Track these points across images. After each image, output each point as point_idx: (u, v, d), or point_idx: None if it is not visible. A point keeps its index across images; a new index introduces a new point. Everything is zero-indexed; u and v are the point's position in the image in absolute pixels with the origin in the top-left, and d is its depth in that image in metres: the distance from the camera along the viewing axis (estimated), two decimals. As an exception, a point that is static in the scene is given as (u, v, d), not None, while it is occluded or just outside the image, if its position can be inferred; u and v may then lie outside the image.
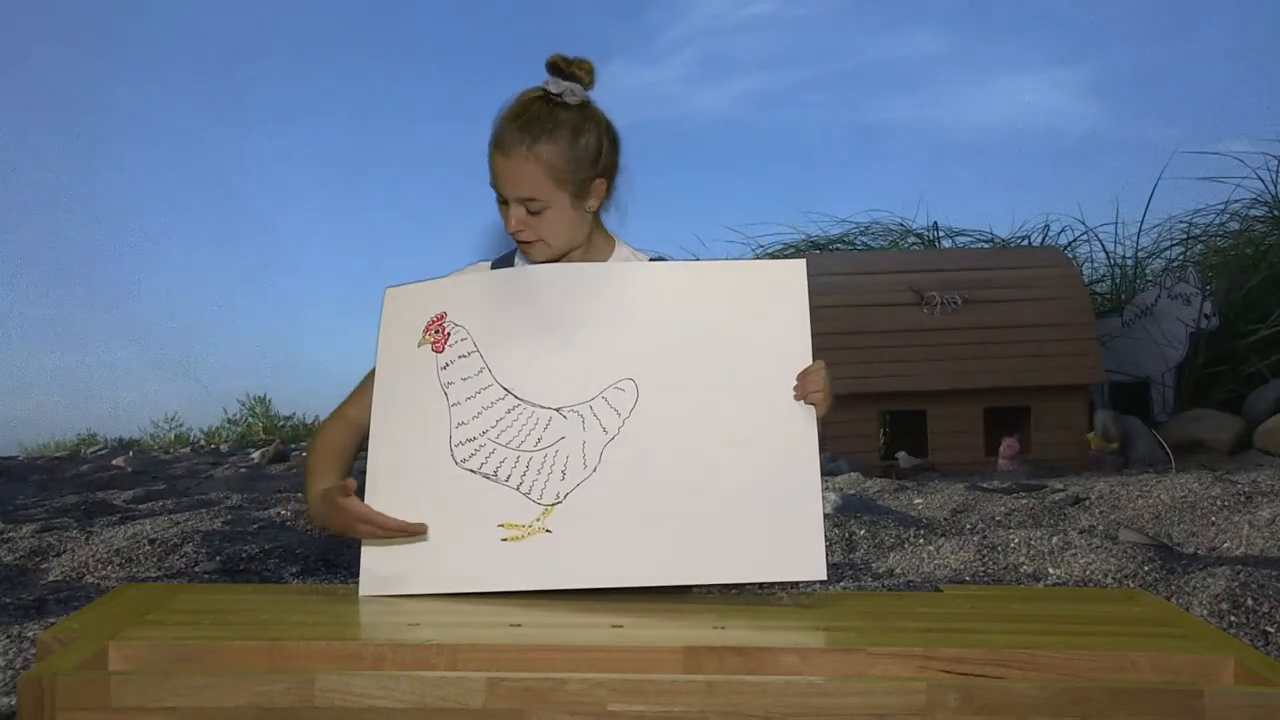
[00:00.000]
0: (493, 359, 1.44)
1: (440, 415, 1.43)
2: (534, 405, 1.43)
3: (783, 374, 1.43)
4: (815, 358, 1.44)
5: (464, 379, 1.44)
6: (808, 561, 1.39)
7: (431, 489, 1.41)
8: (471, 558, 1.39)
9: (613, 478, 1.40)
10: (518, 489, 1.41)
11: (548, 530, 1.39)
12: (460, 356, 1.45)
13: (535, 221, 1.47)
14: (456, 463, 1.42)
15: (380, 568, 1.42)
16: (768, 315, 1.45)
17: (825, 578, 1.40)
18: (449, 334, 1.46)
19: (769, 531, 1.39)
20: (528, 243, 1.49)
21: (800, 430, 1.43)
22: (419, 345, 1.46)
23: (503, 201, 1.48)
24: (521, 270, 1.52)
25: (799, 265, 1.48)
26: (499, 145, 1.45)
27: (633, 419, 1.42)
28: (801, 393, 1.42)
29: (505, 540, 1.39)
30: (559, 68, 1.47)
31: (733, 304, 1.46)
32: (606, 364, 1.44)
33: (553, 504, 1.40)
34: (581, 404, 1.43)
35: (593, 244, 1.57)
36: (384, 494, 1.42)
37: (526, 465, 1.41)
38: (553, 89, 1.46)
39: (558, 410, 1.43)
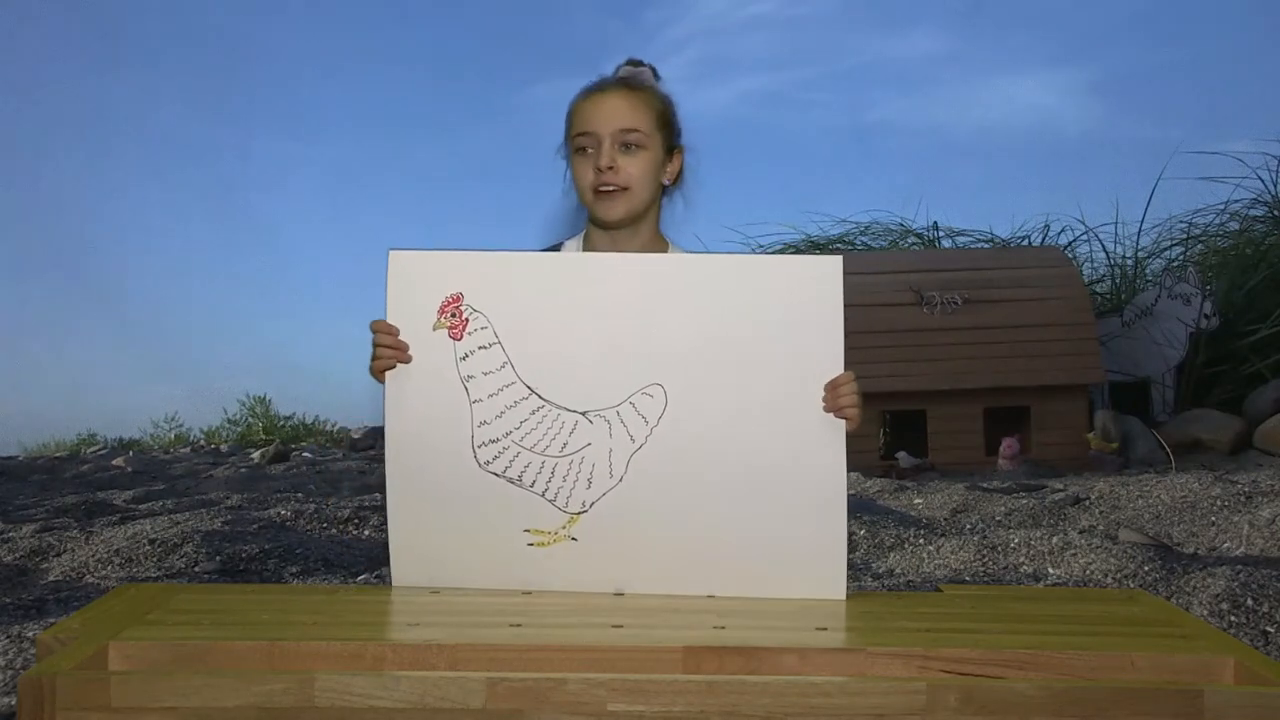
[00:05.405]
0: (516, 354, 1.39)
1: (461, 412, 1.39)
2: (559, 408, 1.39)
3: (813, 384, 1.39)
4: None
5: (485, 373, 1.39)
6: (828, 580, 1.39)
7: (455, 492, 1.39)
8: (499, 562, 1.39)
9: (639, 488, 1.38)
10: (543, 495, 1.39)
11: (573, 538, 1.38)
12: (480, 347, 1.39)
13: (627, 162, 1.44)
14: (480, 465, 1.39)
15: (413, 561, 1.42)
16: (801, 318, 1.38)
17: (844, 597, 1.39)
18: (467, 320, 1.39)
19: (791, 549, 1.38)
20: (611, 191, 1.45)
21: (829, 446, 1.40)
22: (434, 329, 1.40)
23: (583, 151, 1.47)
24: (543, 256, 1.47)
25: (835, 262, 1.39)
26: (596, 89, 1.48)
27: (660, 427, 1.38)
28: (832, 405, 1.38)
29: (531, 545, 1.39)
30: (633, 62, 1.53)
31: (766, 303, 1.38)
32: (635, 366, 1.39)
33: (579, 512, 1.39)
34: (609, 409, 1.39)
35: (652, 240, 1.56)
36: (407, 494, 1.41)
37: (552, 471, 1.39)
38: (634, 68, 1.52)
39: (584, 414, 1.39)
